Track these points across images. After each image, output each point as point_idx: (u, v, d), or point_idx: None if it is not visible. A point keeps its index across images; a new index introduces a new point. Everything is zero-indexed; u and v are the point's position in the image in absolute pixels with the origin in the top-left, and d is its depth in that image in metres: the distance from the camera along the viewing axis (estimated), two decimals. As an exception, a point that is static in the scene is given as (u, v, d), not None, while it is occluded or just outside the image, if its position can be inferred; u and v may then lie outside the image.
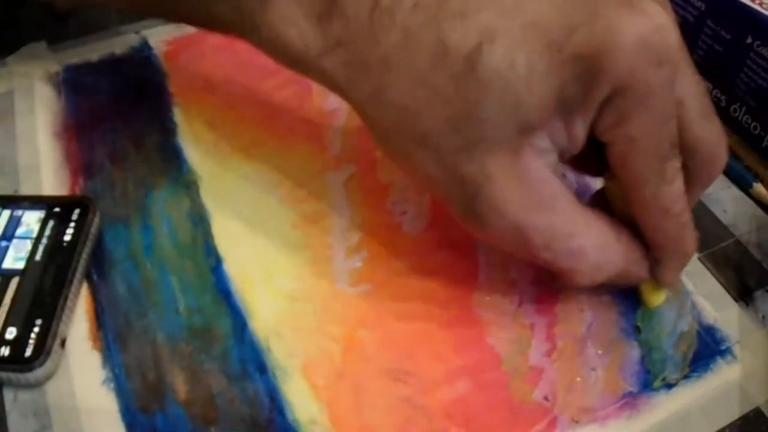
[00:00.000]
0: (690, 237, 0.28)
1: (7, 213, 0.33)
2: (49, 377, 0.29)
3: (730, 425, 0.29)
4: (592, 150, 0.26)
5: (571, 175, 0.39)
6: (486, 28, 0.23)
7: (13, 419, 0.28)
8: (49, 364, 0.28)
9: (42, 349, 0.28)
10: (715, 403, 0.30)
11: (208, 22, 0.32)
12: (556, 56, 0.22)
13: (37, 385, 0.29)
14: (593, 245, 0.27)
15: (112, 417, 0.28)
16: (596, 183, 0.38)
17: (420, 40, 0.23)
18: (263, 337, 0.31)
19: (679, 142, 0.25)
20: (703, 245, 0.36)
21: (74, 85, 0.43)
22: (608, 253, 0.27)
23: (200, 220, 0.35)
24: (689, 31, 0.45)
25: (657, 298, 0.33)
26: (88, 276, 0.33)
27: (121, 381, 0.29)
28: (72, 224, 0.33)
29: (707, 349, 0.32)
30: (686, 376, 0.31)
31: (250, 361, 0.30)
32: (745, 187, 0.40)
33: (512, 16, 0.23)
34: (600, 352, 0.31)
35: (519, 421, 0.29)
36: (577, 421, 0.29)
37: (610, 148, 0.25)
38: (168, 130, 0.40)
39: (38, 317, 0.29)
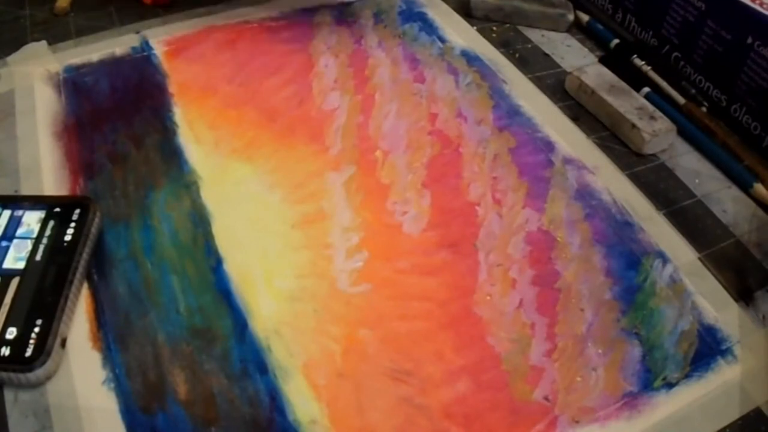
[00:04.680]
0: None
1: (7, 213, 0.33)
2: (49, 377, 0.29)
3: (731, 425, 0.29)
4: None
5: (572, 175, 0.39)
6: None
7: (13, 419, 0.28)
8: (49, 364, 0.28)
9: (42, 349, 0.28)
10: (715, 402, 0.30)
11: None
12: None
13: (37, 385, 0.29)
14: None
15: (113, 417, 0.28)
16: (597, 182, 0.39)
17: None
18: (264, 337, 0.31)
19: None
20: (704, 245, 0.36)
21: (74, 85, 0.43)
22: None
23: (201, 221, 0.35)
24: (689, 31, 0.45)
25: None
26: (88, 276, 0.33)
27: (121, 381, 0.29)
28: (72, 224, 0.33)
29: (708, 348, 0.32)
30: (687, 376, 0.31)
31: (251, 361, 0.30)
32: (745, 187, 0.40)
33: None
34: (600, 351, 0.31)
35: (519, 421, 0.29)
36: (577, 421, 0.29)
37: None
38: (168, 131, 0.40)
39: (39, 317, 0.29)
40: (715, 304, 0.33)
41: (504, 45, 0.49)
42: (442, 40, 0.48)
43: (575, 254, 0.35)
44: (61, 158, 0.38)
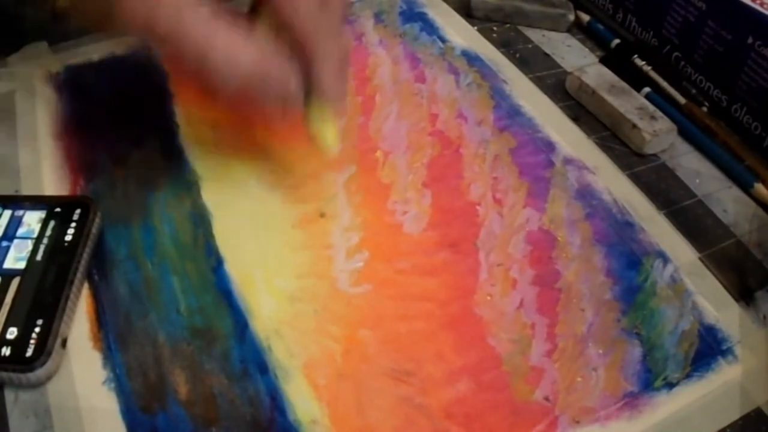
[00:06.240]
0: (331, 33, 0.33)
1: (8, 213, 0.33)
2: (49, 377, 0.29)
3: (731, 425, 0.29)
4: None
5: (573, 175, 0.39)
6: None
7: (14, 419, 0.28)
8: (49, 365, 0.28)
9: (43, 349, 0.28)
10: (716, 402, 0.30)
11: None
12: None
13: (38, 385, 0.29)
14: (220, 36, 0.30)
15: (113, 417, 0.28)
16: (597, 182, 0.39)
17: None
18: (264, 337, 0.31)
19: None
20: (704, 245, 0.36)
21: (75, 85, 0.43)
22: (237, 47, 0.31)
23: (201, 221, 0.35)
24: (690, 31, 0.45)
25: (325, 133, 0.34)
26: (89, 276, 0.33)
27: (122, 381, 0.29)
28: (73, 224, 0.33)
29: (708, 348, 0.32)
30: (687, 376, 0.31)
31: (251, 361, 0.30)
32: (745, 187, 0.40)
33: None
34: (601, 351, 0.31)
35: (520, 422, 0.29)
36: (578, 422, 0.29)
37: None
38: (169, 131, 0.40)
39: (39, 317, 0.29)
40: (716, 304, 0.33)
41: (504, 45, 0.49)
42: (442, 40, 0.48)
43: (576, 254, 0.35)
44: (61, 158, 0.38)
